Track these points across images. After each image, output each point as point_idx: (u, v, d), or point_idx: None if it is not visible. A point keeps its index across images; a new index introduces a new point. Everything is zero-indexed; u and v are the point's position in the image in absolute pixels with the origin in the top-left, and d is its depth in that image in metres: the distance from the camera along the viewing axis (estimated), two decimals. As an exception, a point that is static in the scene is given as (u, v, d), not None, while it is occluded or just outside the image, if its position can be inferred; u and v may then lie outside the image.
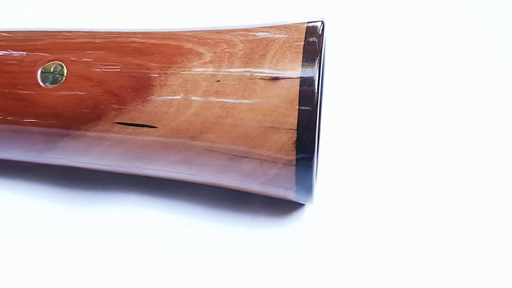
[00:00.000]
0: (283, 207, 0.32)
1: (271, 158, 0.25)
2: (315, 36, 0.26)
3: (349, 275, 0.29)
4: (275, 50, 0.25)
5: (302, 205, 0.32)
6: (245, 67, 0.25)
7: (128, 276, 0.30)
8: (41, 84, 0.27)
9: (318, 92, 0.24)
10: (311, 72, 0.24)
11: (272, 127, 0.25)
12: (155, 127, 0.26)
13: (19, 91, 0.27)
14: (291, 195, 0.28)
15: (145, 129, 0.27)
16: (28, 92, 0.27)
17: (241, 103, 0.25)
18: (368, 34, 0.44)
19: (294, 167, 0.25)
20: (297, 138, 0.24)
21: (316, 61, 0.25)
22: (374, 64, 0.41)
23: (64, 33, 0.29)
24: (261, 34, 0.27)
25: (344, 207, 0.32)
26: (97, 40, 0.28)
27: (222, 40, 0.27)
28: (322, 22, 0.27)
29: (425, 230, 0.31)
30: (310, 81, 0.24)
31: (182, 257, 0.30)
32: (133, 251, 0.31)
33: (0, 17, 0.46)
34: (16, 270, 0.30)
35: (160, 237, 0.31)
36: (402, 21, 0.45)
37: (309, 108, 0.24)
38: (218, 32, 0.28)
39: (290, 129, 0.24)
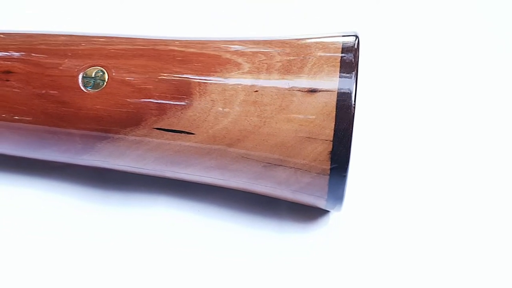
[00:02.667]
0: (308, 212, 0.33)
1: (306, 167, 0.26)
2: (351, 50, 0.26)
3: (372, 282, 0.30)
4: (312, 63, 0.26)
5: (328, 211, 0.33)
6: (283, 78, 0.26)
7: (155, 276, 0.30)
8: (82, 88, 0.28)
9: (354, 105, 0.25)
10: (348, 85, 0.25)
11: (308, 137, 0.26)
12: (193, 134, 0.27)
13: (60, 95, 0.28)
14: (321, 203, 0.29)
15: (183, 135, 0.27)
16: (69, 96, 0.28)
17: (278, 113, 0.26)
18: (398, 45, 0.44)
19: (327, 177, 0.26)
20: (332, 149, 0.25)
21: (353, 75, 0.26)
22: (403, 74, 0.42)
23: (103, 39, 0.30)
24: (299, 46, 0.28)
25: (369, 214, 0.33)
26: (136, 47, 0.29)
27: (259, 52, 0.28)
28: (357, 36, 0.28)
29: (452, 241, 0.32)
30: (347, 95, 0.25)
31: (208, 259, 0.31)
32: (161, 252, 0.31)
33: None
34: (45, 268, 0.31)
35: (188, 239, 0.32)
36: (432, 28, 0.46)
37: (345, 121, 0.25)
38: (255, 43, 0.28)
39: (326, 140, 0.25)
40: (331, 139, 0.25)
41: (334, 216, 0.33)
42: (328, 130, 0.25)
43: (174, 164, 0.29)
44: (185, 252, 0.31)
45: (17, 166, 0.35)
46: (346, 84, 0.25)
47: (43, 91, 0.28)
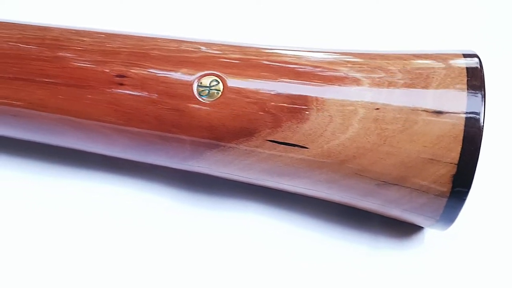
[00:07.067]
0: (402, 227, 0.32)
1: (424, 188, 0.26)
2: (477, 71, 0.26)
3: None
4: (437, 83, 0.26)
5: (421, 227, 0.32)
6: (407, 97, 0.26)
7: (242, 282, 0.31)
8: (197, 97, 0.28)
9: (483, 129, 0.24)
10: (477, 108, 0.25)
11: (432, 159, 0.25)
12: (307, 148, 0.27)
13: (175, 102, 0.28)
14: (428, 223, 0.28)
15: (296, 148, 0.27)
16: (184, 104, 0.28)
17: (401, 132, 0.26)
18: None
19: (446, 199, 0.26)
20: (456, 173, 0.25)
21: (481, 97, 0.25)
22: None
23: (215, 47, 0.30)
24: (419, 64, 0.27)
25: (467, 234, 0.32)
26: (249, 57, 0.29)
27: (378, 67, 0.27)
28: (478, 55, 0.27)
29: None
30: (476, 118, 0.25)
31: (298, 270, 0.31)
32: (250, 259, 0.32)
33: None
34: (135, 265, 0.32)
35: (278, 248, 0.32)
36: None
37: (473, 144, 0.24)
38: (372, 58, 0.28)
39: (451, 163, 0.25)
40: (456, 162, 0.25)
41: (429, 233, 0.32)
42: (454, 153, 0.25)
43: (280, 176, 0.29)
44: (274, 261, 0.32)
45: (108, 165, 0.36)
46: (475, 106, 0.25)
47: (158, 98, 0.28)
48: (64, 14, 0.47)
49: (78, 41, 0.31)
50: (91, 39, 0.31)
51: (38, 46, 0.31)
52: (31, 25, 0.33)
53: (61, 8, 0.48)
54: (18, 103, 0.31)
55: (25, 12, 0.47)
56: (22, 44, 0.31)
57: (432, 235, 0.32)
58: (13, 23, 0.33)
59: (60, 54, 0.30)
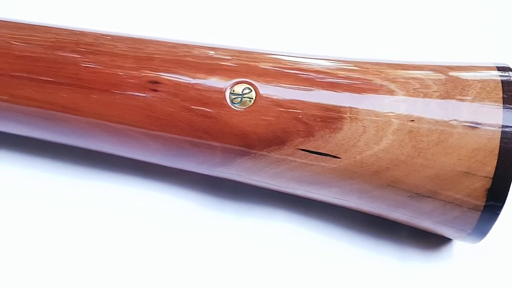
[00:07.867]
0: (430, 239, 0.32)
1: (458, 201, 0.26)
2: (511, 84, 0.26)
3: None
4: (472, 96, 0.26)
5: (449, 239, 0.32)
6: (442, 110, 0.26)
7: None
8: (230, 105, 0.28)
9: (519, 143, 0.24)
10: (513, 122, 0.25)
11: (467, 172, 0.25)
12: (339, 158, 0.27)
13: (207, 109, 0.28)
14: (460, 236, 0.28)
15: (328, 158, 0.27)
16: (216, 111, 0.28)
17: (436, 145, 0.25)
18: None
19: (479, 213, 0.26)
20: (491, 186, 0.25)
21: (518, 112, 0.25)
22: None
23: (246, 55, 0.30)
24: (454, 77, 0.27)
25: (499, 248, 0.32)
26: (282, 65, 0.29)
27: (412, 78, 0.27)
28: (511, 69, 0.27)
29: None
30: (512, 132, 0.24)
31: (327, 280, 0.31)
32: (276, 267, 0.32)
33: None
34: (158, 267, 0.32)
35: (304, 257, 0.32)
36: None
37: (509, 159, 0.24)
38: (405, 68, 0.28)
39: (486, 177, 0.25)
40: (491, 176, 0.25)
41: (458, 246, 0.32)
42: (490, 167, 0.25)
43: (310, 184, 0.29)
44: (300, 270, 0.32)
45: (134, 168, 0.36)
46: (511, 120, 0.25)
47: (191, 104, 0.29)
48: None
49: (111, 46, 0.31)
50: (125, 45, 0.31)
51: (72, 51, 0.31)
52: (65, 29, 0.33)
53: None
54: (51, 106, 0.31)
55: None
56: (56, 48, 0.32)
57: (461, 248, 0.32)
58: (46, 26, 0.34)
59: (94, 58, 0.31)
